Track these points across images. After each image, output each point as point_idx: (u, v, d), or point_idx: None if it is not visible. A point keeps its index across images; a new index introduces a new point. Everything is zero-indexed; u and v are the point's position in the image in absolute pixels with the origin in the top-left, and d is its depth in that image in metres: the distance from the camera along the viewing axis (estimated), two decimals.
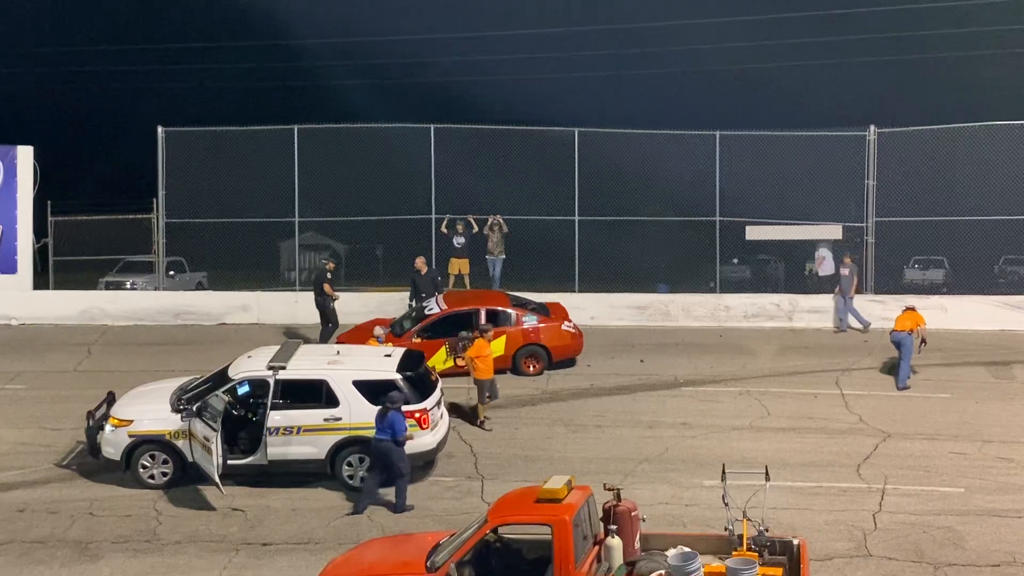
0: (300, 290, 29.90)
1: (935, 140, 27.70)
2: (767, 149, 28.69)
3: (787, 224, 29.25)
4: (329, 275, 25.41)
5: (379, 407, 16.56)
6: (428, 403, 17.48)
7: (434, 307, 23.65)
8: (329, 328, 24.82)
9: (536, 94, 49.96)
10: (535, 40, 52.62)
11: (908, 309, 22.74)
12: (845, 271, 26.85)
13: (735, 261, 33.71)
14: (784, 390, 22.00)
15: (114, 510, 16.59)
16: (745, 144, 28.95)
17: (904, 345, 22.13)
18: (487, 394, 20.09)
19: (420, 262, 26.36)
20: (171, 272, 31.21)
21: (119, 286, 31.70)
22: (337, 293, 25.35)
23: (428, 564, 12.26)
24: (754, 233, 29.42)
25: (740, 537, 12.57)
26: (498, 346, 22.84)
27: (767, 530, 12.73)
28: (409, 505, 16.34)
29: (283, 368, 17.52)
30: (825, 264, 28.77)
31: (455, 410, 20.04)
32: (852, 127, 28.24)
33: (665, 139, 29.22)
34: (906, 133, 28.07)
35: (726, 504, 12.97)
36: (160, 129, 29.11)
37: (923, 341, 22.34)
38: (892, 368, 22.78)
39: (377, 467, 16.52)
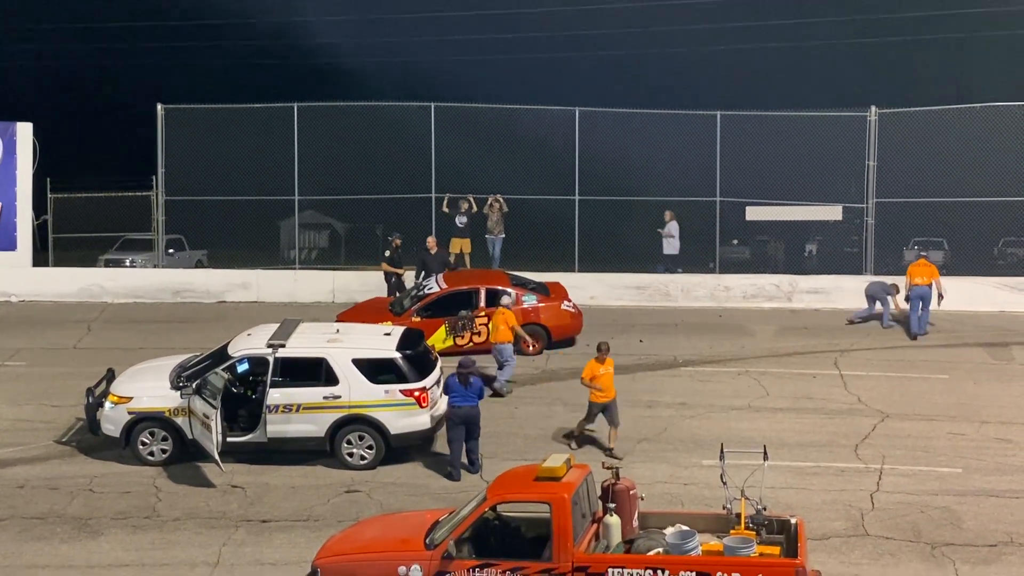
0: (300, 268, 29.94)
1: (936, 121, 27.64)
2: (768, 130, 28.64)
3: (787, 205, 29.22)
4: (387, 252, 26.15)
5: (455, 375, 16.80)
6: (427, 382, 17.50)
7: (434, 286, 23.66)
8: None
9: (538, 73, 49.88)
10: (537, 20, 52.48)
11: (922, 258, 23.34)
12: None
13: (735, 242, 33.71)
14: (783, 370, 22.03)
15: (114, 486, 16.64)
16: (746, 125, 28.90)
17: (925, 298, 23.38)
18: (593, 419, 17.70)
19: (431, 242, 26.47)
20: (171, 250, 31.20)
21: (119, 263, 31.72)
22: (400, 269, 26.03)
23: (427, 541, 12.31)
24: (754, 214, 29.39)
25: (738, 516, 12.62)
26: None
27: (765, 509, 12.78)
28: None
29: (283, 346, 17.55)
30: (671, 242, 28.57)
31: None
32: (853, 108, 28.19)
33: (666, 119, 29.16)
34: (907, 114, 28.02)
35: (724, 483, 13.02)
36: (160, 106, 29.05)
37: (940, 296, 23.39)
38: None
39: (458, 432, 16.76)
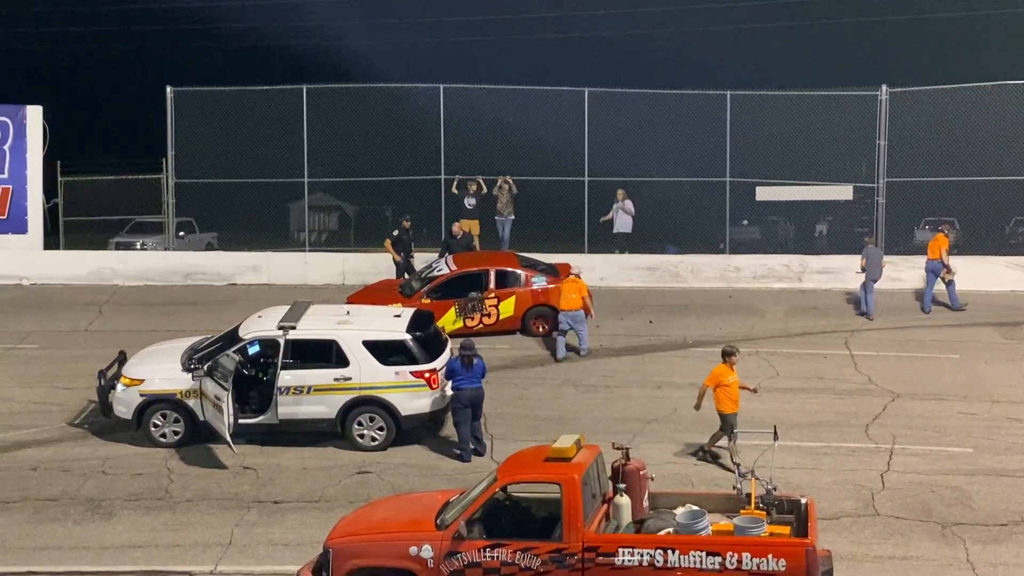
0: (310, 250, 29.96)
1: (947, 100, 27.49)
2: (778, 109, 28.53)
3: (798, 185, 29.14)
4: (395, 232, 26.18)
5: (458, 358, 16.84)
6: (437, 363, 17.53)
7: (443, 268, 23.67)
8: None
9: (546, 55, 49.71)
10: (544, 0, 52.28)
11: (940, 232, 24.20)
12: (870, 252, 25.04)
13: (745, 222, 33.61)
14: (793, 351, 22.01)
15: (126, 468, 16.72)
16: (756, 104, 28.80)
17: (936, 272, 24.25)
18: (731, 432, 16.36)
19: (456, 227, 26.48)
20: (181, 233, 31.25)
21: (129, 246, 31.79)
22: (399, 255, 25.99)
23: (438, 522, 12.35)
24: (764, 194, 29.32)
25: (748, 496, 12.63)
26: (507, 307, 22.90)
27: (775, 489, 12.79)
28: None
29: (293, 328, 17.59)
30: (624, 220, 28.39)
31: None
32: (864, 87, 28.05)
33: (676, 99, 29.06)
34: (918, 93, 27.87)
35: (735, 463, 13.03)
36: (169, 89, 29.05)
37: (948, 269, 24.18)
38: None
39: (466, 414, 16.80)
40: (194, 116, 28.99)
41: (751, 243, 31.78)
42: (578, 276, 22.23)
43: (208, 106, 29.16)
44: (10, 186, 28.80)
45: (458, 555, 12.01)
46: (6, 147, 28.71)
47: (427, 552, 12.06)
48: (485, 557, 11.98)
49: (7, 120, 28.81)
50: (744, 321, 24.33)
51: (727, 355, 16.49)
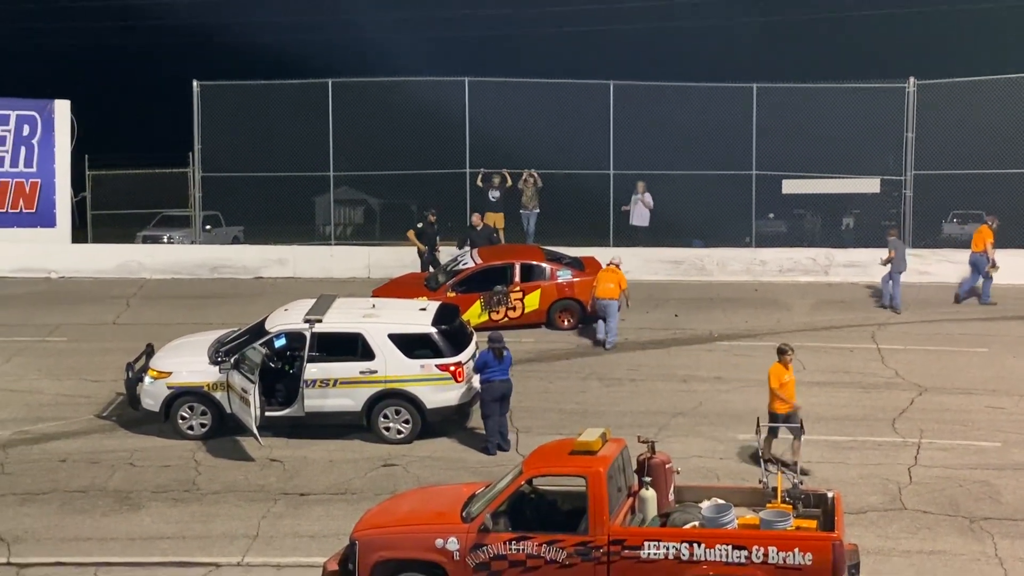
0: (335, 244, 30.04)
1: (975, 92, 27.28)
2: (804, 102, 28.38)
3: (824, 178, 28.99)
4: (419, 225, 26.46)
5: (490, 350, 16.83)
6: (463, 356, 17.55)
7: (469, 261, 23.68)
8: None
9: (572, 47, 49.61)
10: None
11: (985, 224, 24.16)
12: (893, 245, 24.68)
13: (771, 216, 33.47)
14: (820, 344, 21.92)
15: (154, 460, 16.83)
16: (782, 97, 28.66)
17: (979, 266, 24.05)
18: (798, 433, 15.47)
19: (476, 218, 26.56)
20: (207, 226, 31.40)
21: (157, 240, 31.97)
22: (424, 247, 26.22)
23: (463, 515, 12.37)
24: (790, 187, 29.20)
25: (774, 490, 12.60)
26: (532, 300, 22.90)
27: (801, 483, 12.75)
28: None
29: (319, 321, 17.65)
30: (641, 213, 28.29)
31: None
32: (891, 79, 27.87)
33: (701, 92, 28.96)
34: (946, 85, 27.68)
35: (761, 457, 13.00)
36: (196, 83, 29.17)
37: (992, 263, 24.10)
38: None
39: (494, 407, 16.83)
40: (220, 110, 29.11)
41: (777, 236, 31.65)
42: (617, 266, 22.26)
43: (234, 100, 29.27)
44: (38, 180, 29.00)
45: (484, 547, 12.03)
46: (34, 141, 28.92)
47: (453, 544, 12.09)
48: (511, 549, 12.00)
49: (35, 114, 29.02)
50: (770, 315, 24.25)
51: (781, 353, 16.01)
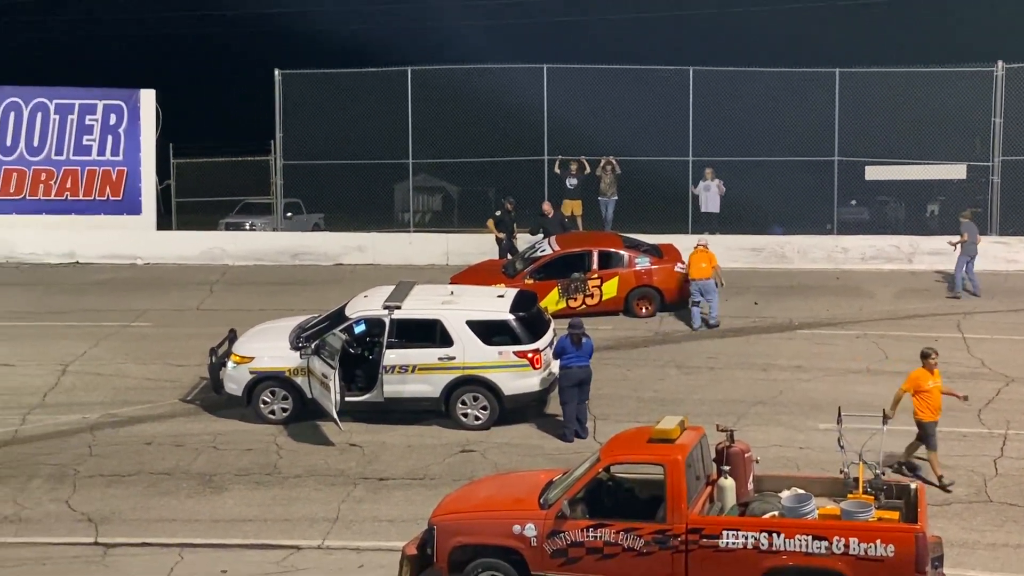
0: (414, 231, 30.22)
1: None
2: (889, 87, 27.89)
3: (908, 164, 28.49)
4: (498, 213, 26.52)
5: (568, 336, 16.81)
6: (541, 343, 17.57)
7: (546, 249, 23.68)
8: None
9: (650, 32, 49.23)
10: None
11: None
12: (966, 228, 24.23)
13: (853, 203, 32.94)
14: (903, 333, 21.56)
15: (236, 444, 17.11)
16: (866, 81, 28.18)
17: None
18: (930, 441, 15.20)
19: (547, 206, 26.56)
20: (289, 213, 31.76)
21: (239, 227, 32.42)
22: (502, 233, 26.30)
23: (541, 501, 12.40)
24: (874, 173, 28.74)
25: (856, 480, 12.44)
26: (610, 288, 22.85)
27: (883, 474, 12.58)
28: None
29: (398, 308, 17.78)
30: (711, 199, 27.87)
31: None
32: (978, 63, 27.26)
33: (782, 77, 28.58)
34: None
35: (842, 447, 12.84)
36: (277, 72, 29.50)
37: None
38: None
39: (572, 393, 16.83)
40: (302, 98, 29.41)
41: (860, 224, 31.14)
42: (706, 247, 22.31)
43: (315, 88, 29.56)
44: (125, 168, 29.56)
45: (561, 534, 12.04)
46: (121, 130, 29.48)
47: (531, 530, 12.12)
48: (588, 536, 12.00)
49: (122, 104, 29.57)
50: (852, 303, 23.91)
51: (925, 357, 15.23)
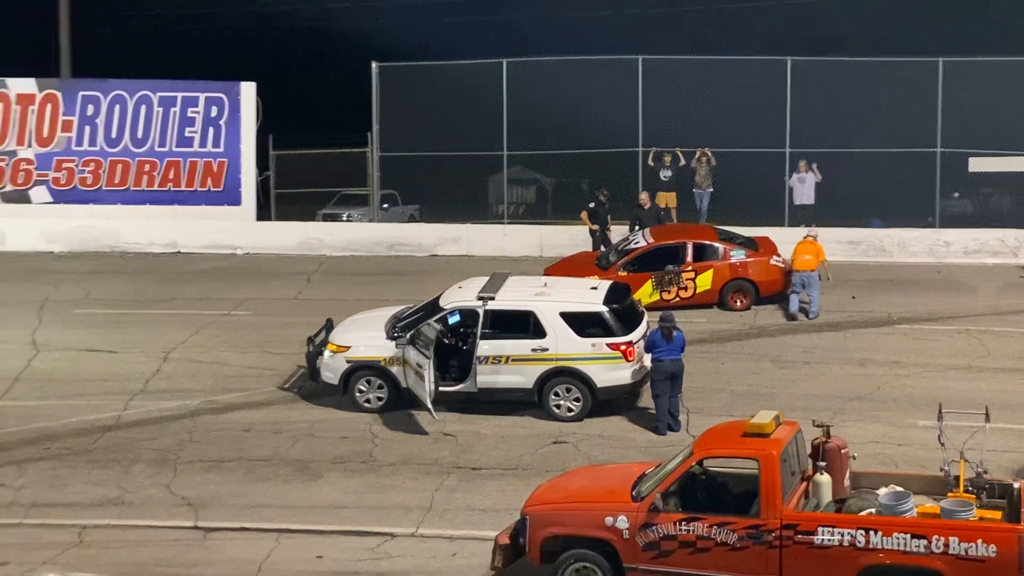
0: (508, 223, 30.32)
1: None
2: (994, 75, 27.18)
3: (1015, 155, 27.76)
4: (591, 204, 26.57)
5: (659, 330, 16.80)
6: (634, 336, 17.52)
7: (640, 241, 23.58)
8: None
9: (745, 23, 48.63)
10: None
11: None
12: None
13: (956, 195, 32.23)
14: (1007, 329, 21.05)
15: (333, 432, 17.34)
16: (970, 71, 27.51)
17: None
18: None
19: (644, 197, 26.50)
20: (385, 205, 32.09)
21: (336, 218, 32.83)
22: (596, 226, 26.26)
23: (634, 493, 12.37)
24: (978, 165, 28.09)
25: (956, 478, 12.18)
26: (705, 280, 22.67)
27: (986, 472, 12.30)
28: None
29: (492, 299, 17.86)
30: (804, 191, 27.19)
31: None
32: None
33: (884, 66, 28.03)
34: None
35: (942, 444, 12.58)
36: (374, 64, 29.79)
37: None
38: None
39: (665, 387, 16.78)
40: (398, 90, 29.67)
41: (962, 216, 30.48)
42: (815, 239, 22.11)
43: (412, 80, 29.81)
44: (226, 159, 30.12)
45: (654, 527, 12.00)
46: (222, 122, 30.04)
47: (623, 523, 12.10)
48: (680, 530, 11.94)
49: (223, 96, 30.12)
50: (954, 298, 23.40)
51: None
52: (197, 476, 15.93)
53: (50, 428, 17.53)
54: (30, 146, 29.98)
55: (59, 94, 30.06)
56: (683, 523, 11.93)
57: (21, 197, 30.05)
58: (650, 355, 17.07)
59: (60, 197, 29.99)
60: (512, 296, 18.09)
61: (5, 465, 16.33)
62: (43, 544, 14.04)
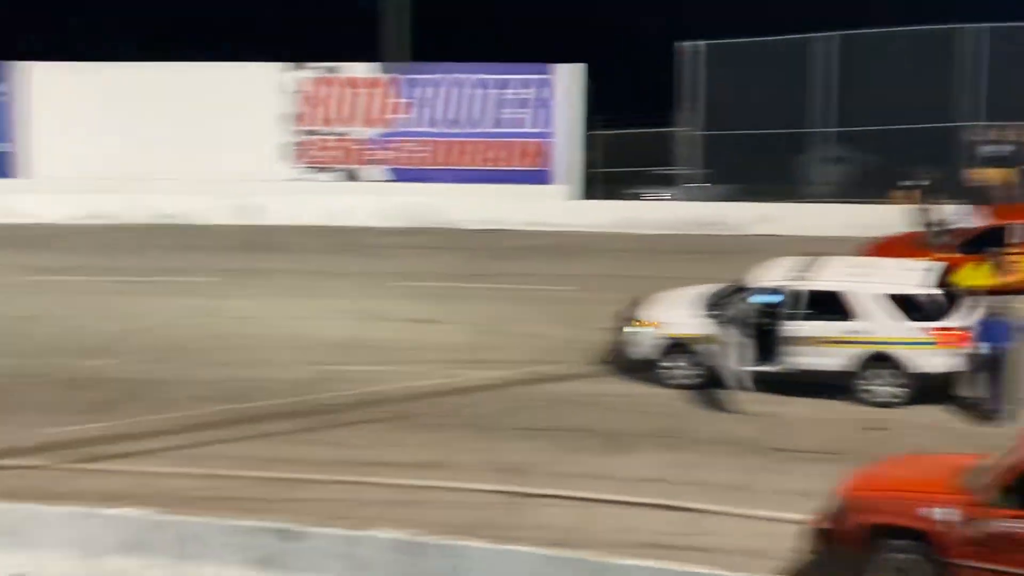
0: (821, 202, 29.55)
1: None
2: None
3: None
4: (911, 183, 25.84)
5: (985, 316, 16.38)
6: (957, 321, 16.80)
7: (972, 221, 22.38)
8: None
9: None
10: None
11: None
12: None
13: None
14: None
15: (642, 406, 17.58)
16: None
17: None
18: None
19: (975, 174, 25.15)
20: (697, 184, 31.99)
21: (650, 197, 33.03)
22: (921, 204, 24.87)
23: (962, 485, 11.84)
24: None
25: None
26: None
27: None
28: None
29: (805, 279, 17.59)
30: None
31: None
32: None
33: None
34: None
35: None
36: (688, 44, 29.75)
37: None
38: None
39: (994, 374, 16.27)
40: (711, 69, 29.52)
41: None
42: None
43: (724, 58, 29.56)
44: (548, 139, 31.08)
45: (983, 522, 11.46)
46: (546, 103, 31.02)
47: (947, 515, 11.63)
48: (1017, 528, 11.34)
49: (548, 78, 31.02)
50: None
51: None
52: (514, 443, 16.51)
53: (383, 392, 18.64)
54: (369, 127, 31.92)
55: (399, 78, 31.80)
56: (1019, 521, 11.31)
57: (356, 175, 32.08)
58: (978, 342, 16.30)
59: (396, 176, 31.71)
60: (826, 277, 17.76)
61: (347, 425, 17.46)
62: (374, 501, 14.93)
